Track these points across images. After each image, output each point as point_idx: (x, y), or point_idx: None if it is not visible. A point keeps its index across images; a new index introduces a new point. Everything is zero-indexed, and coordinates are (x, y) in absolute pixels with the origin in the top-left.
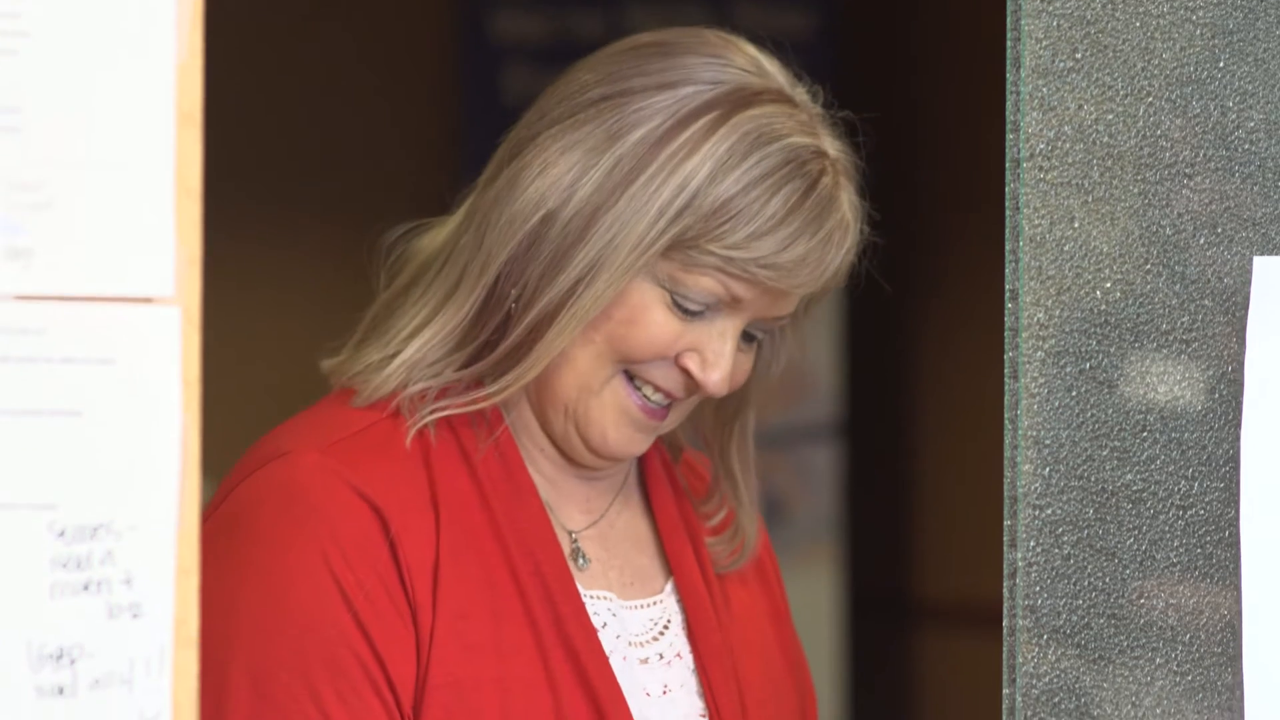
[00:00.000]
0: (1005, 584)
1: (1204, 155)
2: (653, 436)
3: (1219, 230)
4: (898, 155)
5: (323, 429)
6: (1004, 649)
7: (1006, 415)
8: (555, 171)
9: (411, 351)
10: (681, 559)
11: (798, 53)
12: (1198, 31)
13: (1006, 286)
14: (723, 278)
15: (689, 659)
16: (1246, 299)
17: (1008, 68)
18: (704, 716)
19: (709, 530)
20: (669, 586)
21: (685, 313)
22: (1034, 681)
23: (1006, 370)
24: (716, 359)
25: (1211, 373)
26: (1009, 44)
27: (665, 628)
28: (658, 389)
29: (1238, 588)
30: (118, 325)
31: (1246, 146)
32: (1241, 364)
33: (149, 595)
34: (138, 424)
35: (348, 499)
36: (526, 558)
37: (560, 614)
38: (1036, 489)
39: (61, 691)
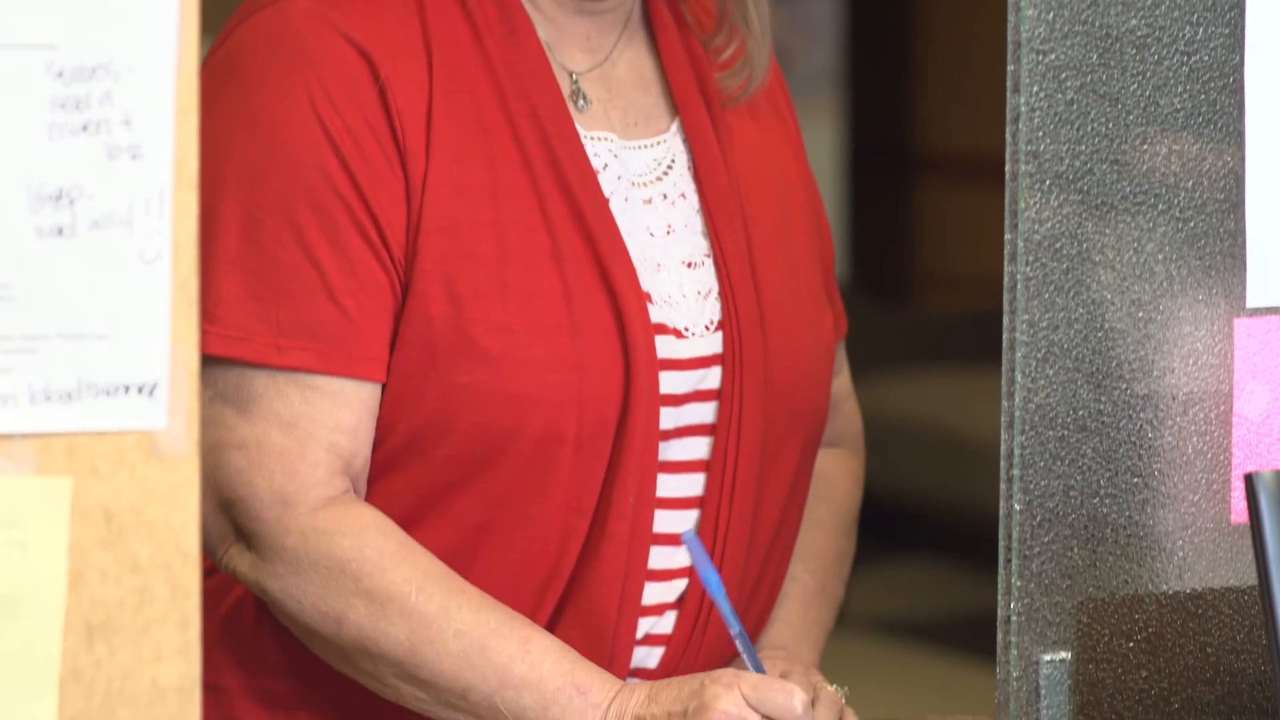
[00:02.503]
0: (1008, 129)
1: None
2: None
3: None
4: None
5: None
6: (1006, 194)
7: None
8: None
9: None
10: (688, 98)
11: None
12: None
13: None
14: None
15: (694, 199)
16: None
17: None
18: (708, 256)
19: (718, 65)
20: (674, 126)
21: None
22: (1036, 227)
23: None
24: None
25: None
26: None
27: (669, 167)
28: None
29: (1241, 135)
30: None
31: None
32: None
33: (148, 136)
34: None
35: (337, 46)
36: (523, 100)
37: (557, 156)
38: (1040, 34)
39: (61, 232)
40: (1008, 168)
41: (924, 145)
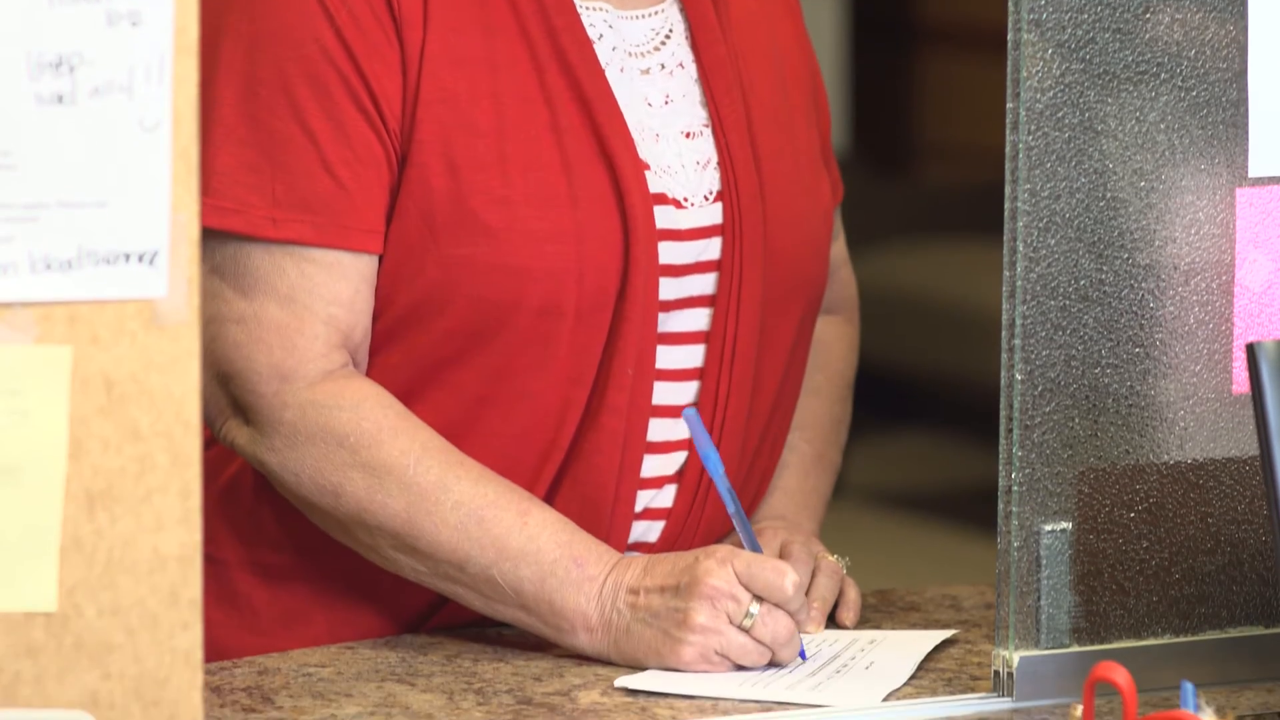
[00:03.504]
0: None
1: None
2: None
3: None
4: None
5: None
6: (1008, 63)
7: None
8: None
9: None
10: None
11: None
12: None
13: None
14: None
15: (692, 69)
16: None
17: None
18: (707, 126)
19: None
20: None
21: None
22: (1038, 96)
23: None
24: None
25: None
26: None
27: (667, 37)
28: None
29: (1243, 3)
30: None
31: None
32: None
33: (147, 2)
34: None
35: None
36: None
37: (554, 26)
38: None
39: (61, 100)
40: (1010, 36)
41: (925, 15)
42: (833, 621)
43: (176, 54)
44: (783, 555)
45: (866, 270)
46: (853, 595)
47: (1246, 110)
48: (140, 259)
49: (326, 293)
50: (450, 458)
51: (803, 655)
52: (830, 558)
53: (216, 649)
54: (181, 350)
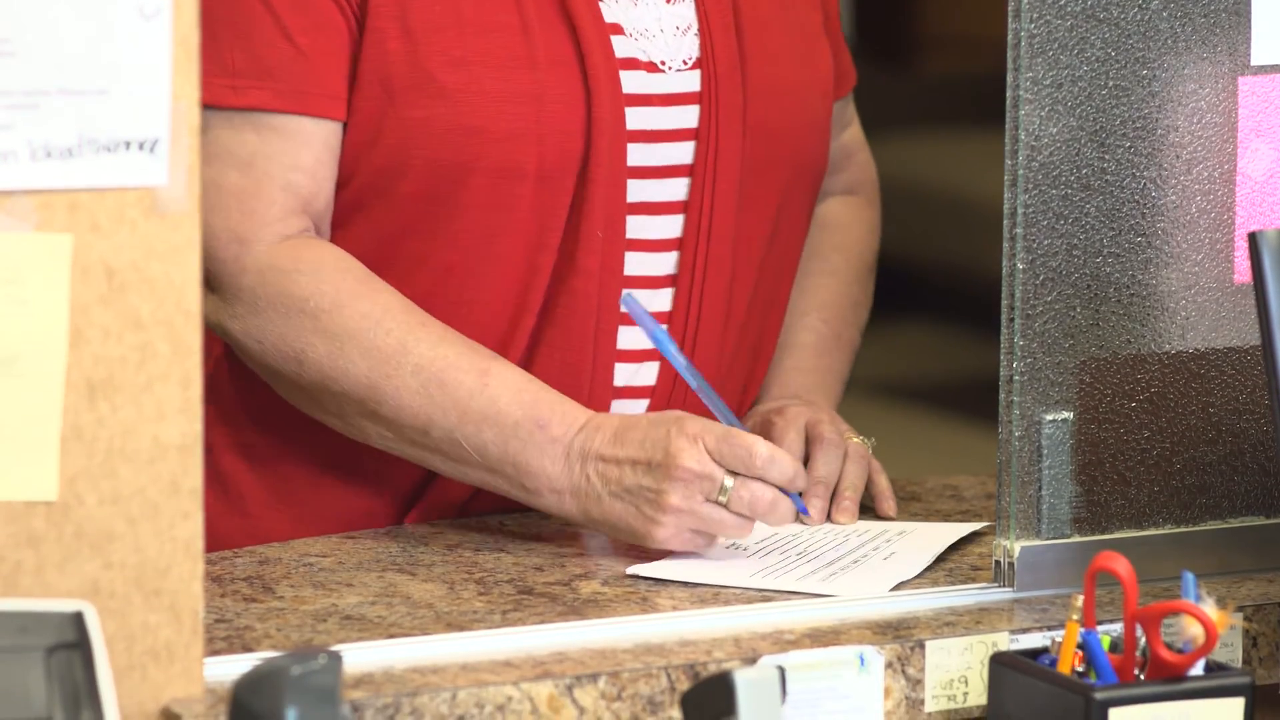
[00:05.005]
0: None
1: None
2: None
3: None
4: None
5: None
6: None
7: None
8: None
9: None
10: None
11: None
12: None
13: None
14: None
15: None
16: None
17: None
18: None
19: None
20: None
21: None
22: None
23: None
24: None
25: None
26: None
27: None
28: None
29: None
30: None
31: None
32: None
33: None
34: None
35: None
36: None
37: None
38: None
39: None
40: None
41: None
42: (870, 513)
43: None
44: (811, 436)
45: None
46: (883, 483)
47: None
48: (141, 147)
49: (287, 159)
50: (411, 320)
51: (803, 510)
52: (856, 439)
53: (205, 532)
54: (182, 238)
